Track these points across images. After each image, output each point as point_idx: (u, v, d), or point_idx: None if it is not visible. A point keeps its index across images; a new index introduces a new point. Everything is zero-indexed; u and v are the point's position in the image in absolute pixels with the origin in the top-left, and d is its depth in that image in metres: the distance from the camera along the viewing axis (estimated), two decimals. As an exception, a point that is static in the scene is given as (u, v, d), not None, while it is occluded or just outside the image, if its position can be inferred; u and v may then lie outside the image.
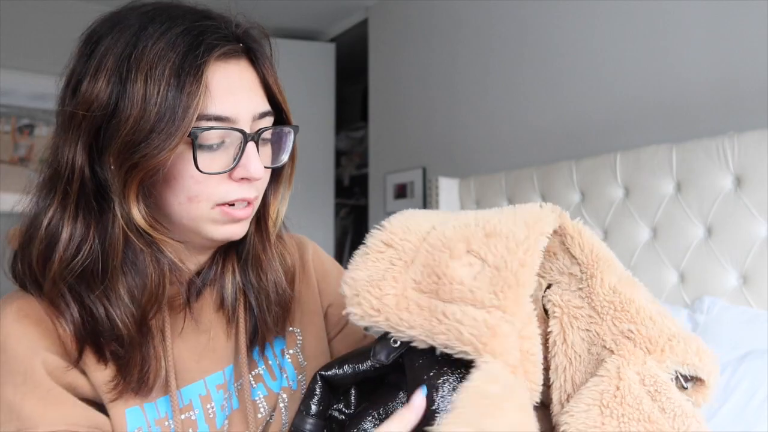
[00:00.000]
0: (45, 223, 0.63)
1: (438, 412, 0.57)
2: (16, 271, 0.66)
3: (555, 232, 0.64)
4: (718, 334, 1.36)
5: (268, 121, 0.69)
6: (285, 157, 0.72)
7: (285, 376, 0.76)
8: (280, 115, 0.72)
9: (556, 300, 0.64)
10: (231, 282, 0.74)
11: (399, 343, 0.60)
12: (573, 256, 0.65)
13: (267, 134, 0.69)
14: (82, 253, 0.62)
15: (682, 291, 1.56)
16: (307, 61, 3.45)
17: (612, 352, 0.60)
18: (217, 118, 0.62)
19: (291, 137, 0.72)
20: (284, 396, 0.75)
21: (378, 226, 0.64)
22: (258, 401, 0.74)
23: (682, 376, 0.60)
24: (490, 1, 2.44)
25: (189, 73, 0.59)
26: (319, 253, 0.89)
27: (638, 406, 0.56)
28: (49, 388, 0.60)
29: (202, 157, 0.62)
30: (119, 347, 0.63)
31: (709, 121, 1.67)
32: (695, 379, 0.61)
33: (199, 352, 0.71)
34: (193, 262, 0.72)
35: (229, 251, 0.75)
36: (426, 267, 0.60)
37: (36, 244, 0.63)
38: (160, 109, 0.58)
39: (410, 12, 2.91)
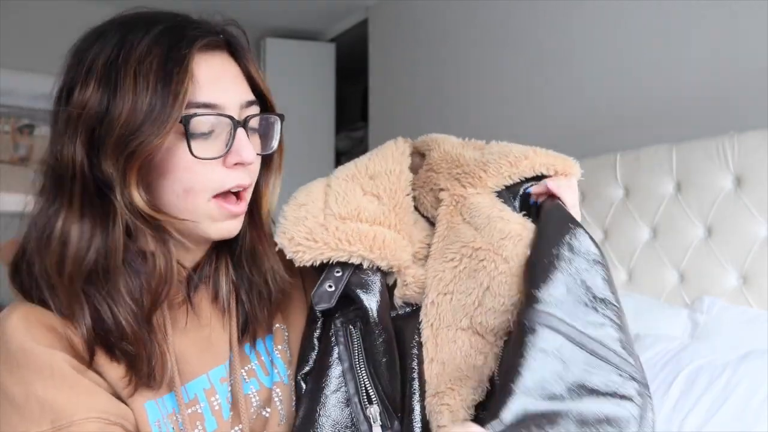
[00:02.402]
0: (58, 224, 0.64)
1: None
2: (21, 282, 0.67)
3: (412, 153, 0.83)
4: (718, 334, 1.36)
5: (254, 110, 0.71)
6: (274, 144, 0.75)
7: (276, 371, 0.78)
8: (264, 106, 0.75)
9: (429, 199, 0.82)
10: (225, 276, 0.76)
11: (333, 287, 0.73)
12: (421, 155, 0.83)
13: (254, 123, 0.72)
14: (90, 251, 0.64)
15: (682, 291, 1.56)
16: (307, 61, 3.45)
17: (443, 189, 0.77)
18: (206, 105, 0.65)
19: (278, 126, 0.75)
20: (278, 391, 0.77)
21: (285, 207, 0.77)
22: (251, 395, 0.75)
23: (526, 180, 0.74)
24: (490, 2, 2.44)
25: (176, 64, 0.63)
26: None
27: (460, 238, 0.72)
28: (76, 379, 0.62)
29: (195, 145, 0.65)
30: (128, 345, 0.65)
31: (709, 121, 1.67)
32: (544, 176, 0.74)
33: (201, 347, 0.73)
34: (189, 259, 0.75)
35: (222, 246, 0.77)
36: (345, 201, 0.75)
37: (49, 248, 0.64)
38: (151, 101, 0.62)
39: (410, 12, 2.91)
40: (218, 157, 0.66)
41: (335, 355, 0.74)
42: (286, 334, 0.82)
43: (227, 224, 0.71)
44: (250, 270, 0.76)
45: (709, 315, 1.42)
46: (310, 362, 0.76)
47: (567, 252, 0.64)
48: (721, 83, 1.67)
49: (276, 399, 0.76)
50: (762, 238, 1.42)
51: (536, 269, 0.64)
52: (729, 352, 1.24)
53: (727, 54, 1.66)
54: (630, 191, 1.70)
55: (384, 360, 0.71)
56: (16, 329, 0.63)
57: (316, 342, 0.77)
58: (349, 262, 0.73)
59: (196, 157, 0.65)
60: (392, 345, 0.72)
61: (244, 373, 0.76)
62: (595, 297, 0.63)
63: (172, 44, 0.64)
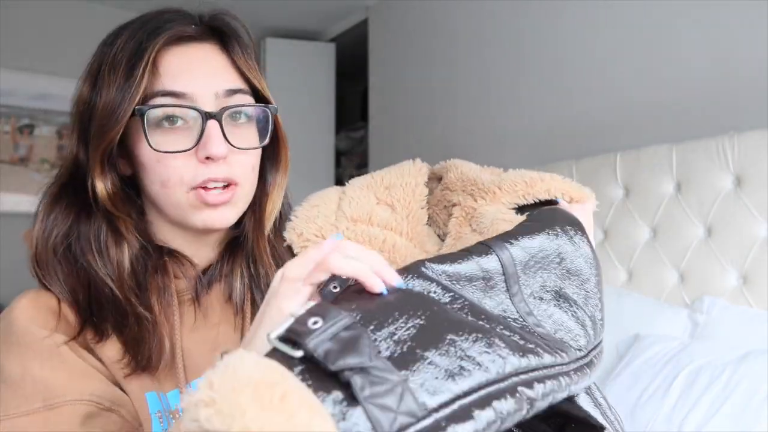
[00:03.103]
0: (48, 201, 0.69)
1: None
2: (34, 265, 0.69)
3: (430, 178, 0.82)
4: (718, 334, 1.36)
5: (241, 99, 0.69)
6: (265, 140, 0.71)
7: None
8: (258, 98, 0.72)
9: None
10: (239, 277, 0.75)
11: (339, 287, 0.68)
12: (440, 178, 0.81)
13: (245, 111, 0.70)
14: (71, 237, 0.67)
15: (682, 291, 1.56)
16: (307, 61, 3.45)
17: (456, 204, 0.76)
18: (168, 94, 0.65)
19: (269, 118, 0.71)
20: None
21: (297, 207, 0.77)
22: None
23: (540, 204, 0.72)
24: (490, 2, 2.44)
25: (138, 57, 0.64)
26: None
27: (464, 246, 0.67)
28: (74, 362, 0.62)
29: (158, 136, 0.65)
30: (122, 326, 0.65)
31: (709, 121, 1.67)
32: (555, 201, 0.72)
33: (210, 346, 0.72)
34: (198, 257, 0.74)
35: (237, 246, 0.76)
36: (358, 205, 0.75)
37: (37, 230, 0.68)
38: (116, 93, 0.64)
39: (410, 12, 2.91)
40: (183, 151, 0.65)
41: None
42: None
43: (209, 214, 0.68)
44: (258, 270, 0.75)
45: (709, 315, 1.42)
46: None
47: (561, 232, 0.60)
48: (721, 83, 1.67)
49: None
50: (762, 238, 1.42)
51: (520, 227, 0.61)
52: (729, 352, 1.24)
53: (727, 54, 1.66)
54: (630, 191, 1.70)
55: None
56: (23, 311, 0.64)
57: None
58: None
59: (154, 149, 0.65)
60: None
61: None
62: (568, 271, 0.58)
63: (143, 39, 0.65)
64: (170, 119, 0.65)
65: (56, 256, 0.67)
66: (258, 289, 0.75)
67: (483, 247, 0.55)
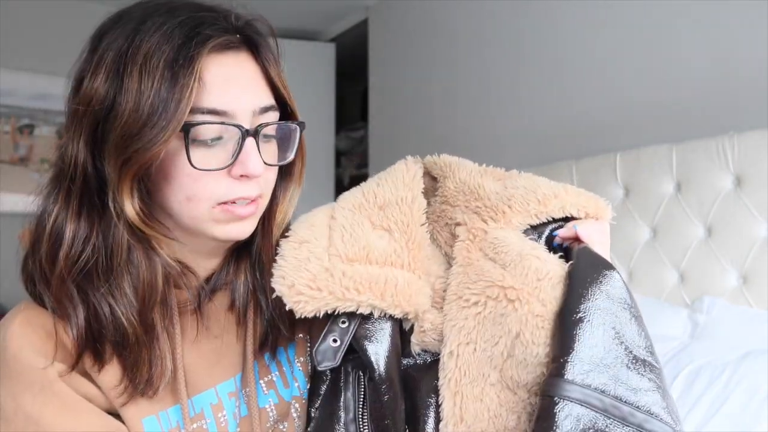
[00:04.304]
0: (51, 221, 0.63)
1: None
2: (26, 271, 0.66)
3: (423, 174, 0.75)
4: (718, 334, 1.36)
5: (272, 116, 0.66)
6: (291, 155, 0.70)
7: (296, 384, 0.75)
8: (285, 110, 0.70)
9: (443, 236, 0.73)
10: (243, 284, 0.72)
11: (339, 341, 0.64)
12: (433, 178, 0.75)
13: (271, 130, 0.67)
14: (86, 251, 0.62)
15: (682, 291, 1.56)
16: (307, 61, 3.44)
17: (460, 224, 0.69)
18: (212, 112, 0.61)
19: (297, 134, 0.69)
20: (296, 405, 0.74)
21: (286, 235, 0.69)
22: (268, 408, 0.72)
23: (555, 221, 0.67)
24: (490, 2, 2.44)
25: (182, 65, 0.58)
26: None
27: (483, 276, 0.63)
28: (66, 395, 0.60)
29: (197, 153, 0.61)
30: (123, 348, 0.62)
31: (709, 121, 1.67)
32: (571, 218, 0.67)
33: (211, 359, 0.70)
34: (202, 267, 0.71)
35: (241, 252, 0.73)
36: (352, 238, 0.67)
37: (43, 243, 0.63)
38: (153, 102, 0.58)
39: (410, 12, 2.91)
40: (221, 169, 0.62)
41: (342, 401, 0.67)
42: (308, 346, 0.78)
43: (235, 226, 0.66)
44: (262, 278, 0.72)
45: (709, 315, 1.42)
46: (321, 394, 0.70)
47: (602, 301, 0.56)
48: (721, 83, 1.67)
49: (294, 413, 0.73)
50: (762, 238, 1.42)
51: (567, 325, 0.56)
52: (729, 352, 1.24)
53: (727, 54, 1.66)
54: (630, 191, 1.70)
55: (387, 422, 0.64)
56: (14, 336, 0.61)
57: (328, 372, 0.70)
58: (358, 312, 0.64)
59: (195, 168, 0.61)
60: (398, 404, 0.65)
61: (263, 385, 0.73)
62: (636, 358, 0.55)
63: (184, 42, 0.59)
64: (209, 135, 0.62)
65: (70, 276, 0.62)
66: (263, 293, 0.72)
67: (554, 404, 0.53)
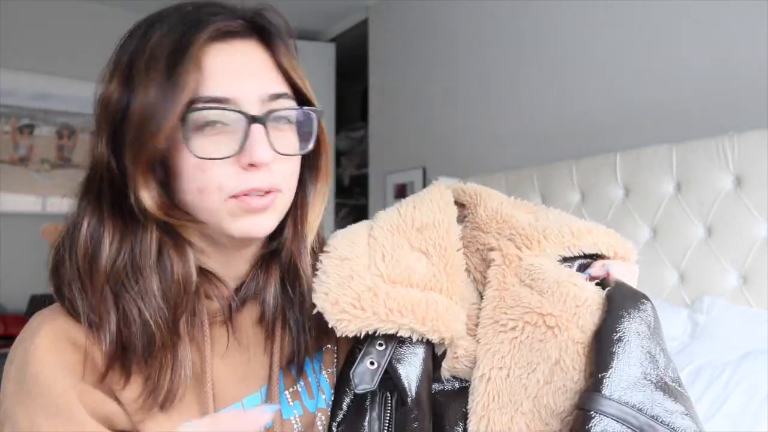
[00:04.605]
0: (85, 224, 0.62)
1: None
2: (57, 277, 0.64)
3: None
4: (718, 334, 1.36)
5: (285, 104, 0.64)
6: (310, 145, 0.67)
7: (323, 396, 0.73)
8: (302, 101, 0.67)
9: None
10: (272, 296, 0.70)
11: (376, 363, 0.63)
12: (462, 205, 0.75)
13: (288, 116, 0.65)
14: (121, 255, 0.61)
15: (682, 291, 1.56)
16: (307, 61, 3.41)
17: (494, 249, 0.69)
18: (214, 100, 0.60)
19: (315, 122, 0.67)
20: (322, 417, 0.72)
21: (325, 250, 0.68)
22: (293, 420, 0.71)
23: (587, 256, 0.68)
24: (490, 2, 2.45)
25: (179, 52, 0.59)
26: None
27: (520, 302, 0.63)
28: (83, 421, 0.59)
29: (202, 142, 0.60)
30: (149, 354, 0.61)
31: (709, 121, 1.67)
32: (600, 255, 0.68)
33: (239, 373, 0.68)
34: (231, 277, 0.70)
35: (271, 262, 0.71)
36: (393, 260, 0.66)
37: (80, 247, 0.62)
38: (156, 93, 0.58)
39: (410, 12, 2.91)
40: (226, 157, 0.60)
41: (367, 420, 0.65)
42: (336, 357, 0.76)
43: (250, 220, 0.63)
44: (295, 287, 0.70)
45: (709, 315, 1.42)
46: (344, 408, 0.68)
47: (640, 325, 0.57)
48: (721, 83, 1.67)
49: (319, 425, 0.71)
50: (762, 238, 1.42)
51: (606, 342, 0.57)
52: (729, 352, 1.24)
53: (727, 54, 1.67)
54: (630, 191, 1.70)
55: None
56: (38, 350, 0.60)
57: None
58: (398, 335, 0.64)
59: (197, 156, 0.59)
60: (425, 430, 0.63)
61: (288, 396, 0.71)
62: (667, 385, 0.56)
63: (183, 32, 0.59)
64: (212, 124, 0.60)
65: (108, 283, 0.61)
66: (291, 308, 0.70)
67: (590, 420, 0.53)
